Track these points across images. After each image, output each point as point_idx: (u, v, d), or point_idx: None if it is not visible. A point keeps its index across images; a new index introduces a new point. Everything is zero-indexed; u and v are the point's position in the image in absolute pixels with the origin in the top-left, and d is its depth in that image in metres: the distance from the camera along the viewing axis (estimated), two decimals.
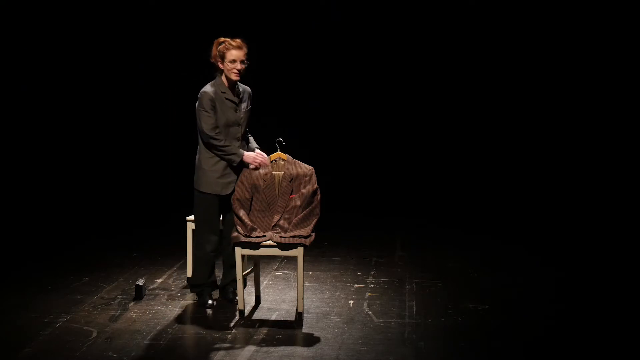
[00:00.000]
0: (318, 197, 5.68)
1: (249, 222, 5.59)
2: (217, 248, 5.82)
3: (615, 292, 6.10)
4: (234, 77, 5.64)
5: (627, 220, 8.13)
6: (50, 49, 9.34)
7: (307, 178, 5.69)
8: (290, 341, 5.19)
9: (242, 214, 5.60)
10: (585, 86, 9.19)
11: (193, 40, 9.05)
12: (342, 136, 9.72)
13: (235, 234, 5.57)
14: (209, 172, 5.69)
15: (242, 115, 5.73)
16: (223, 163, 5.68)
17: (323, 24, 9.44)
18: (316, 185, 5.68)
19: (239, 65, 5.61)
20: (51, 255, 7.25)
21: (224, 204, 5.76)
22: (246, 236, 5.54)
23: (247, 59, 5.67)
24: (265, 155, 5.73)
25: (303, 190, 5.67)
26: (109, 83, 9.56)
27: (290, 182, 5.69)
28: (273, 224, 5.65)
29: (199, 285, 5.88)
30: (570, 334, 5.27)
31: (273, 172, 5.71)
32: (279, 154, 5.72)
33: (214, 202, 5.73)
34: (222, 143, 5.63)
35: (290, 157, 5.73)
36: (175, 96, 9.41)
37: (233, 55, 5.62)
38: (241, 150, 5.68)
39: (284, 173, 5.70)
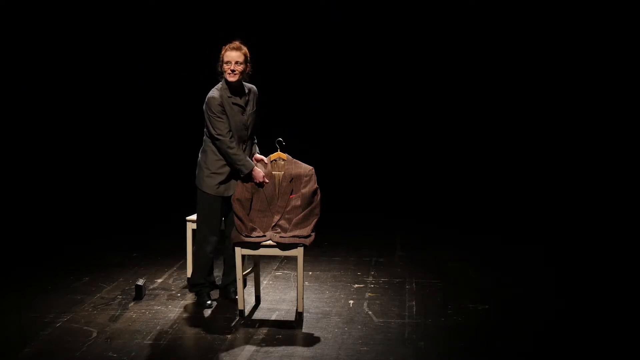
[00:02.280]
0: (318, 197, 5.68)
1: (249, 222, 5.59)
2: (215, 248, 5.82)
3: (616, 292, 6.10)
4: (229, 77, 5.62)
5: (627, 220, 8.13)
6: (50, 49, 9.34)
7: (307, 178, 5.69)
8: (290, 341, 5.19)
9: (242, 214, 5.60)
10: (585, 86, 9.19)
11: (193, 40, 9.08)
12: (342, 136, 9.72)
13: (235, 234, 5.58)
14: (214, 175, 5.67)
15: (248, 118, 5.72)
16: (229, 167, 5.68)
17: (323, 24, 9.44)
18: (316, 185, 5.68)
19: (232, 66, 5.59)
20: (51, 255, 7.25)
21: (227, 204, 5.76)
22: (246, 236, 5.54)
23: (245, 62, 5.64)
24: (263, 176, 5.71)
25: (303, 190, 5.67)
26: (109, 83, 9.56)
27: (290, 182, 5.69)
28: (273, 224, 5.65)
29: (197, 285, 5.89)
30: (570, 334, 5.27)
31: (273, 172, 5.71)
32: (279, 154, 5.72)
33: (216, 203, 5.72)
34: (234, 151, 5.59)
35: (290, 157, 5.73)
36: (175, 96, 9.42)
37: (228, 56, 5.59)
38: (251, 162, 5.66)
39: (284, 173, 5.70)
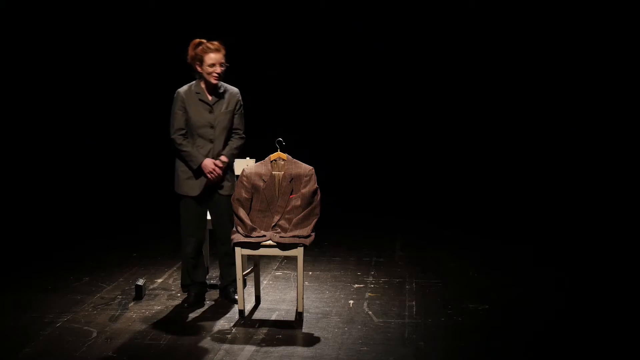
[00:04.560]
0: (318, 197, 5.68)
1: (249, 222, 5.59)
2: (196, 250, 5.85)
3: (615, 292, 6.10)
4: (214, 80, 5.64)
5: (627, 220, 8.13)
6: (50, 49, 9.34)
7: (307, 178, 5.69)
8: (290, 341, 5.19)
9: (242, 214, 5.60)
10: (584, 87, 9.19)
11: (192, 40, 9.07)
12: (343, 136, 9.72)
13: (236, 234, 5.58)
14: (180, 173, 5.74)
15: (216, 117, 5.69)
16: None
17: (323, 24, 9.44)
18: (316, 185, 5.68)
19: (218, 69, 5.61)
20: (51, 255, 7.25)
21: (213, 205, 5.76)
22: (246, 236, 5.54)
23: (225, 61, 5.66)
24: (220, 171, 5.67)
25: (303, 190, 5.67)
26: (109, 83, 9.57)
27: (290, 182, 5.69)
28: (273, 224, 5.65)
29: (184, 285, 5.98)
30: (570, 334, 5.27)
31: (273, 172, 5.71)
32: (279, 153, 5.72)
33: (190, 204, 5.76)
34: (181, 147, 5.66)
35: (290, 157, 5.73)
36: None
37: (212, 58, 5.60)
38: (201, 157, 5.65)
39: (284, 173, 5.70)
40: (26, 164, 9.29)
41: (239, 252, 5.53)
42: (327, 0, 9.41)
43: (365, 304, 5.89)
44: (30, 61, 9.31)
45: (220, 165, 5.67)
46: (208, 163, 5.65)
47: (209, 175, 5.66)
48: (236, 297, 5.82)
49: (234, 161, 5.87)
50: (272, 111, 9.24)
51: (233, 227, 5.80)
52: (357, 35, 9.49)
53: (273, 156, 5.73)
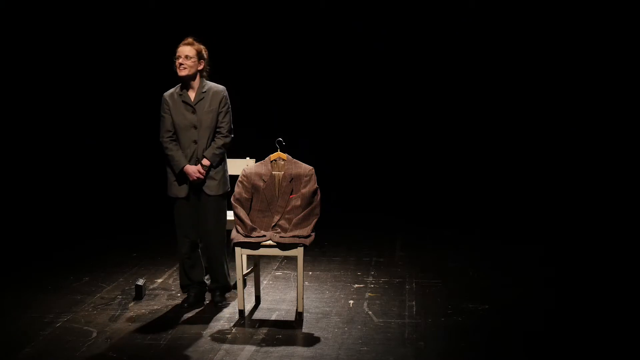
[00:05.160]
0: (318, 197, 5.68)
1: (249, 222, 5.59)
2: (191, 250, 5.85)
3: (615, 292, 6.10)
4: (178, 72, 5.67)
5: (626, 220, 8.12)
6: (50, 49, 9.34)
7: (307, 178, 5.69)
8: (290, 341, 5.19)
9: (242, 213, 5.60)
10: (584, 87, 9.19)
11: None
12: (343, 136, 9.72)
13: (236, 234, 5.58)
14: (169, 175, 5.77)
15: (199, 117, 5.67)
16: None
17: (323, 24, 9.44)
18: (316, 185, 5.68)
19: (181, 60, 5.62)
20: (51, 255, 7.25)
21: (200, 205, 5.76)
22: (246, 236, 5.54)
23: (199, 57, 5.66)
24: (202, 176, 5.67)
25: (303, 190, 5.67)
26: (110, 82, 9.56)
27: (290, 182, 5.69)
28: (273, 224, 5.65)
29: (183, 285, 5.98)
30: (569, 334, 5.27)
31: (273, 172, 5.71)
32: (279, 154, 5.72)
33: (181, 205, 5.77)
34: (166, 151, 5.70)
35: (290, 157, 5.73)
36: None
37: (179, 51, 5.67)
38: (183, 162, 5.65)
39: (284, 173, 5.70)
40: (26, 164, 9.28)
41: (239, 252, 5.53)
42: (327, 0, 9.41)
43: (365, 304, 5.89)
44: (30, 61, 9.31)
45: (201, 170, 5.67)
46: (191, 171, 5.65)
47: (190, 178, 5.67)
48: (219, 303, 5.84)
49: (217, 161, 5.72)
50: (271, 111, 9.23)
51: (217, 228, 5.77)
52: (357, 35, 9.48)
53: (273, 156, 5.73)
